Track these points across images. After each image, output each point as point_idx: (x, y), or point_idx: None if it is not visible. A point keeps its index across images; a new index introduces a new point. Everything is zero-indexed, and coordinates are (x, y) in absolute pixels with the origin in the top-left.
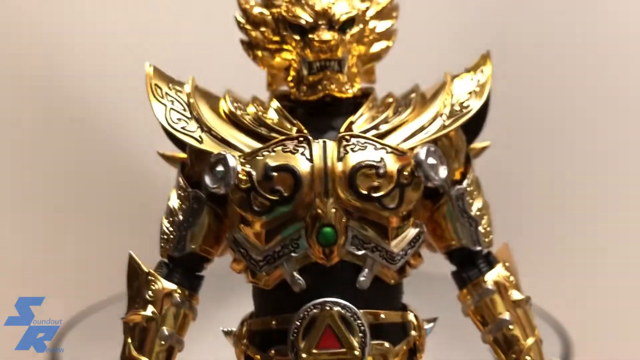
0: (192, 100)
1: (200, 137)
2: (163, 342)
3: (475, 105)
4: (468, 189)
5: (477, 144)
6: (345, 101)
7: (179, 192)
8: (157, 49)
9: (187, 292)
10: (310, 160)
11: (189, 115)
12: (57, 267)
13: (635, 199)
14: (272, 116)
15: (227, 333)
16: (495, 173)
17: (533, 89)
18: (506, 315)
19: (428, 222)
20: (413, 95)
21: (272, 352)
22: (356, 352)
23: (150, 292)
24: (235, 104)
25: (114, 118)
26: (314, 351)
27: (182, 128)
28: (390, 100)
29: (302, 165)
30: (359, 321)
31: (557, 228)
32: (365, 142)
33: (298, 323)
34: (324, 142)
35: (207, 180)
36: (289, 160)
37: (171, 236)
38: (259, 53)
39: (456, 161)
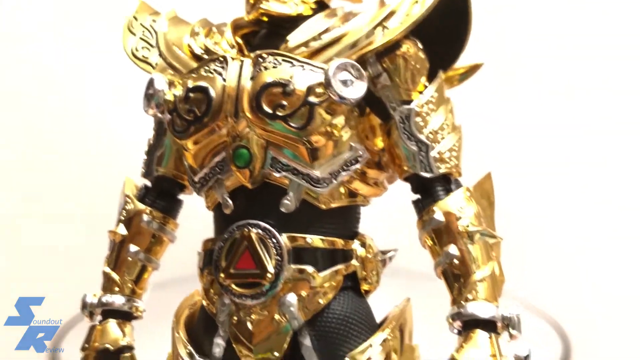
0: (159, 29)
1: (156, 64)
2: (130, 258)
3: (415, 12)
4: (417, 109)
5: (464, 65)
6: (303, 20)
7: (154, 119)
8: None
9: (161, 215)
10: (225, 80)
11: (154, 44)
12: (57, 267)
13: (636, 198)
14: (225, 39)
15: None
16: (498, 172)
17: None
18: (451, 248)
19: (389, 147)
20: (373, 6)
21: (206, 271)
22: (269, 275)
23: (124, 212)
24: (197, 30)
25: (116, 126)
26: (232, 271)
27: (143, 55)
28: (346, 14)
29: (216, 85)
30: (276, 244)
31: (559, 227)
32: (283, 60)
33: (222, 244)
34: (242, 61)
35: (143, 103)
36: (206, 80)
37: (146, 160)
38: None
39: (407, 82)
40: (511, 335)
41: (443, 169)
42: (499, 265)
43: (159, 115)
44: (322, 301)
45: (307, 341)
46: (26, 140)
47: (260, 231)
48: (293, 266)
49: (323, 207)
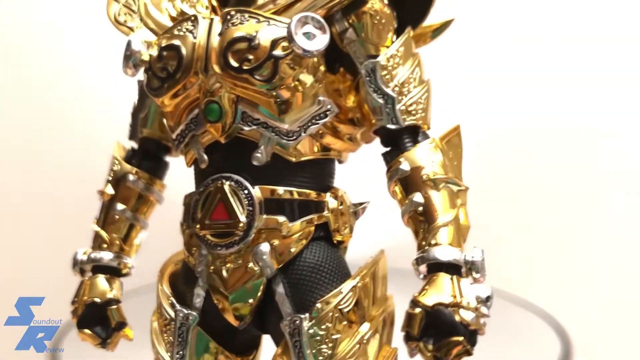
0: None
1: (136, 27)
2: (117, 217)
3: None
4: (382, 62)
5: (435, 23)
6: None
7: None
8: None
9: (147, 175)
10: (195, 37)
11: (136, 10)
12: (57, 267)
13: (636, 200)
14: (201, 2)
15: None
16: (497, 170)
17: None
18: (416, 196)
19: (359, 102)
20: None
21: (185, 225)
22: (241, 224)
23: (111, 173)
24: None
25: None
26: (207, 222)
27: (124, 21)
28: None
29: (187, 43)
30: (248, 195)
31: (559, 227)
32: (249, 16)
33: (198, 197)
34: (212, 19)
35: (122, 64)
36: (178, 39)
37: (131, 123)
38: None
39: (374, 37)
40: (475, 279)
41: (409, 120)
42: (464, 212)
43: (133, 75)
44: (293, 249)
45: (280, 288)
46: (27, 140)
47: (232, 183)
48: (265, 216)
49: (293, 159)
